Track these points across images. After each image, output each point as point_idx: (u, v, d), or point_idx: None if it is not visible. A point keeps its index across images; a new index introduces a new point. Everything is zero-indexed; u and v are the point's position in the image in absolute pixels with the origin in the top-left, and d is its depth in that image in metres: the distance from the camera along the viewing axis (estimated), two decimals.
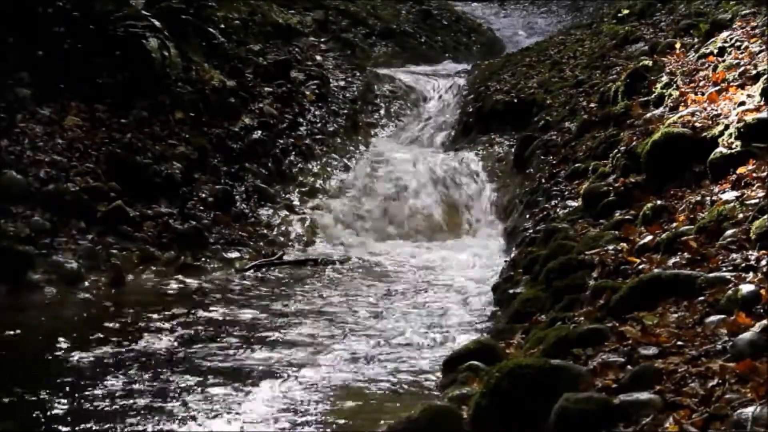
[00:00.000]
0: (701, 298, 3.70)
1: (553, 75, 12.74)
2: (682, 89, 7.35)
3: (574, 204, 7.54)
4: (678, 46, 9.01)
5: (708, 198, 5.20)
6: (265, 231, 9.37)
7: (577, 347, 3.71)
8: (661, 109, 7.50)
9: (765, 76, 5.96)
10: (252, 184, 10.07)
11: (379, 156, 11.78)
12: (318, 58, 14.46)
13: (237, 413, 4.47)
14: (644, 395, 2.95)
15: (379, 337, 6.01)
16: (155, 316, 6.48)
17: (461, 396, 3.82)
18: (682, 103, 7.00)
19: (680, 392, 2.92)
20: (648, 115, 7.61)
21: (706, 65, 7.55)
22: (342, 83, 13.78)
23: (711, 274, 3.88)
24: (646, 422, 2.81)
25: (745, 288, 3.52)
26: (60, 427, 4.26)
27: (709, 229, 4.54)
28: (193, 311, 6.69)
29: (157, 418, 4.39)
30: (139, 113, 9.68)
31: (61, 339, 5.73)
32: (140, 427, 4.28)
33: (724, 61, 7.23)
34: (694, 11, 11.03)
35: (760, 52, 6.82)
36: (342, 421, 4.36)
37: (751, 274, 3.77)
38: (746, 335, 3.12)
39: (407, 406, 4.10)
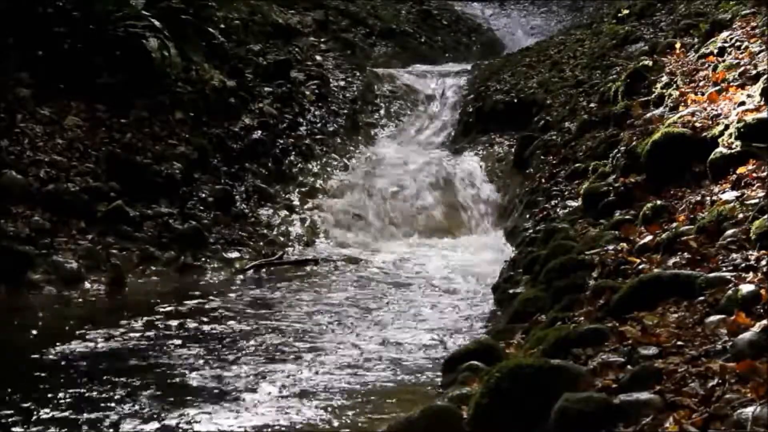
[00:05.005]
0: (701, 298, 3.69)
1: (553, 75, 12.74)
2: (682, 89, 7.34)
3: (574, 204, 7.54)
4: (678, 46, 9.00)
5: (708, 198, 5.20)
6: (265, 231, 9.38)
7: (577, 347, 3.71)
8: (661, 109, 7.50)
9: (765, 76, 5.95)
10: (252, 184, 10.08)
11: (379, 156, 11.79)
12: (318, 58, 14.46)
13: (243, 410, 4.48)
14: (644, 395, 2.95)
15: (378, 336, 6.01)
16: (155, 317, 6.47)
17: (461, 396, 3.81)
18: (682, 103, 6.99)
19: (680, 392, 2.91)
20: (648, 115, 7.60)
21: (706, 65, 7.54)
22: (342, 83, 13.78)
23: (711, 274, 3.87)
24: (646, 422, 2.81)
25: (745, 288, 3.52)
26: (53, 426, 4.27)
27: (709, 229, 4.54)
28: (192, 312, 6.68)
29: (154, 415, 4.40)
30: (139, 113, 9.69)
31: (59, 339, 5.72)
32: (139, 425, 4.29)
33: (724, 61, 7.22)
34: (694, 11, 11.01)
35: (760, 52, 6.82)
36: (340, 421, 4.36)
37: (751, 274, 3.77)
38: (746, 335, 3.11)
39: (407, 406, 4.10)
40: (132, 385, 4.84)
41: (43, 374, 5.06)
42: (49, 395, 4.65)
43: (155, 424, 4.26)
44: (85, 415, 4.36)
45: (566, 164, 8.92)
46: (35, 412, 4.38)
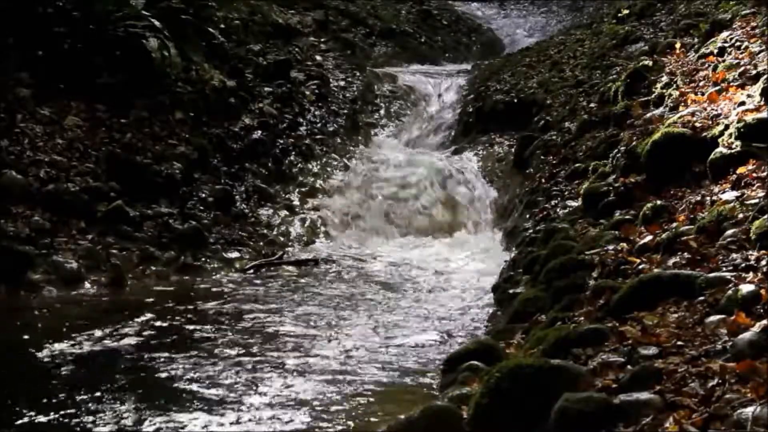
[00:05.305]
0: (701, 298, 3.69)
1: (553, 75, 12.74)
2: (682, 89, 7.34)
3: (574, 204, 7.54)
4: (678, 46, 9.00)
5: (708, 198, 5.20)
6: (265, 231, 9.38)
7: (577, 347, 3.71)
8: (661, 109, 7.50)
9: (765, 76, 5.95)
10: (252, 184, 10.08)
11: (379, 156, 11.78)
12: (318, 58, 14.47)
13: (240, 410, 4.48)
14: (644, 395, 2.95)
15: (378, 337, 6.01)
16: (155, 318, 6.47)
17: (461, 396, 3.82)
18: (682, 103, 6.99)
19: (680, 392, 2.92)
20: (648, 115, 7.61)
21: (706, 65, 7.55)
22: (342, 83, 13.79)
23: (711, 274, 3.87)
24: (646, 422, 2.81)
25: (745, 288, 3.52)
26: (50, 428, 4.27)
27: (709, 229, 4.54)
28: (191, 313, 6.68)
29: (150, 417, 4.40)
30: (139, 113, 9.68)
31: (59, 340, 5.72)
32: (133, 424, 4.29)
33: (724, 61, 7.22)
34: (694, 11, 11.01)
35: (760, 52, 6.82)
36: (339, 423, 4.36)
37: (751, 274, 3.77)
38: (746, 335, 3.11)
39: (406, 406, 4.10)
40: (126, 388, 4.83)
41: (42, 375, 5.06)
42: (48, 397, 4.64)
43: (146, 429, 4.26)
44: (80, 419, 4.36)
45: (566, 164, 8.92)
46: (33, 414, 4.37)
